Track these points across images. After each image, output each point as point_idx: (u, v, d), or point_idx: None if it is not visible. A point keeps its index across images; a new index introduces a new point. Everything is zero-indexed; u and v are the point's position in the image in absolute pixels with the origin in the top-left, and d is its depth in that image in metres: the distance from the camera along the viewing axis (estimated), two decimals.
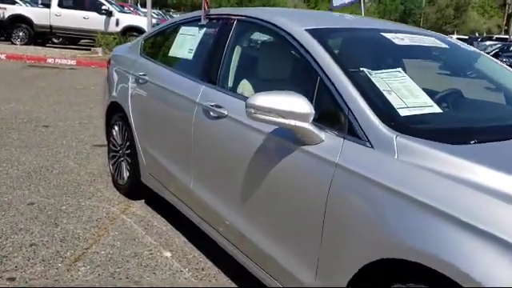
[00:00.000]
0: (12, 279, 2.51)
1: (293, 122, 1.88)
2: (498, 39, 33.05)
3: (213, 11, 3.09)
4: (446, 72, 2.74)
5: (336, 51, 2.14)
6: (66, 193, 3.71)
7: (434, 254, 1.41)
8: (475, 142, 1.71)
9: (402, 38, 2.43)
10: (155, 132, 3.22)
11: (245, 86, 2.68)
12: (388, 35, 2.41)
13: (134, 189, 3.65)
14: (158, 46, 3.65)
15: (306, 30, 2.27)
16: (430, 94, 2.10)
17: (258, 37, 2.94)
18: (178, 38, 3.24)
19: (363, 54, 2.35)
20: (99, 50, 14.08)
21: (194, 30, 3.13)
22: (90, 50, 14.90)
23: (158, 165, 3.21)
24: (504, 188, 1.42)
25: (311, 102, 1.90)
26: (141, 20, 15.81)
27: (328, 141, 1.89)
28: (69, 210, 3.41)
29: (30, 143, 4.92)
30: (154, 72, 3.31)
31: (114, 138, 3.85)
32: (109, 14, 15.68)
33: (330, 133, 1.92)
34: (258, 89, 2.60)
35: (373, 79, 2.01)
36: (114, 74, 3.92)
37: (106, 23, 15.60)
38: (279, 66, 2.55)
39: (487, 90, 2.69)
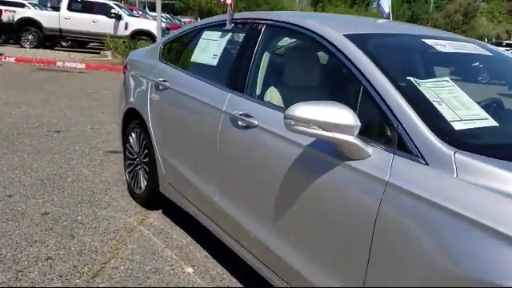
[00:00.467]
0: None
1: (337, 135, 1.73)
2: (507, 45, 32.79)
3: (238, 15, 2.96)
4: (494, 81, 2.59)
5: (379, 58, 1.98)
6: (81, 202, 3.58)
7: None
8: None
9: (444, 44, 2.28)
10: (176, 141, 3.08)
11: (273, 94, 2.54)
12: (430, 41, 2.27)
13: (152, 199, 3.52)
14: (178, 51, 3.52)
15: (345, 35, 2.13)
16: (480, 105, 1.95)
17: (289, 42, 2.79)
18: (201, 43, 3.11)
19: (407, 61, 2.21)
20: (108, 53, 14.01)
21: (217, 34, 2.99)
22: (98, 53, 14.85)
23: (178, 175, 3.07)
24: None
25: None
26: (150, 24, 15.77)
27: (375, 156, 1.74)
28: (84, 220, 3.28)
29: (42, 149, 4.80)
30: (176, 78, 3.18)
31: (130, 146, 3.72)
32: (118, 17, 15.65)
33: (377, 147, 1.77)
34: (289, 97, 2.46)
35: (421, 89, 1.87)
36: (131, 79, 3.80)
37: (115, 27, 15.56)
38: (313, 73, 2.42)
39: None
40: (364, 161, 1.75)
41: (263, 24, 2.61)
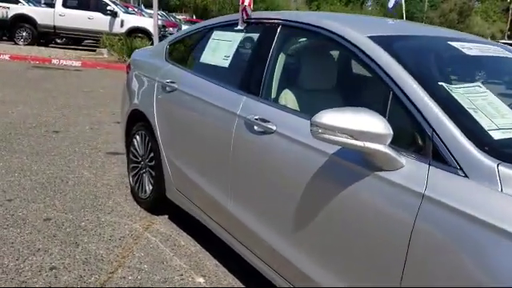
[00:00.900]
0: None
1: (368, 144, 1.63)
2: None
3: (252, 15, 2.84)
4: None
5: (407, 62, 1.88)
6: (84, 207, 3.46)
7: None
8: None
9: (471, 47, 2.18)
10: (185, 144, 2.97)
11: (288, 96, 2.44)
12: (455, 44, 2.17)
13: (158, 203, 3.41)
14: (186, 51, 3.40)
15: (370, 36, 2.03)
16: None
17: (307, 43, 2.68)
18: (211, 44, 2.99)
19: (436, 65, 2.10)
20: (104, 51, 13.83)
21: (229, 35, 2.88)
22: (94, 50, 14.67)
23: (187, 180, 2.95)
24: None
25: None
26: (146, 21, 15.59)
27: (409, 166, 1.64)
28: (88, 226, 3.16)
29: (41, 150, 4.66)
30: (184, 79, 3.06)
31: (134, 148, 3.60)
32: (114, 14, 15.43)
33: (409, 157, 1.67)
34: (307, 101, 2.36)
35: (454, 95, 1.77)
36: (136, 79, 3.67)
37: (111, 24, 15.35)
38: (334, 76, 2.31)
39: None
40: (396, 172, 1.65)
41: (279, 24, 2.51)
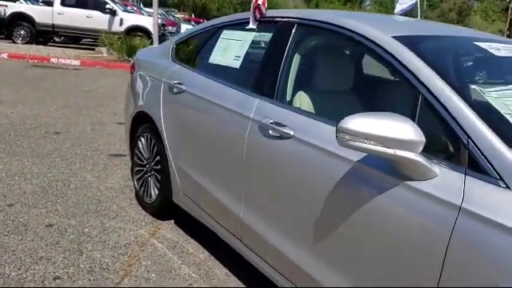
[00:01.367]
0: None
1: (398, 152, 1.52)
2: None
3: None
4: None
5: (436, 63, 1.77)
6: (87, 212, 3.34)
7: None
8: None
9: (498, 48, 2.07)
10: (194, 148, 2.86)
11: (303, 98, 2.33)
12: (483, 45, 2.06)
13: (164, 208, 3.29)
14: (194, 51, 3.28)
15: (394, 37, 1.92)
16: None
17: (325, 43, 2.56)
18: (220, 44, 2.88)
19: (465, 67, 2.00)
20: (103, 50, 13.68)
21: (239, 34, 2.76)
22: (92, 49, 14.52)
23: (195, 186, 2.84)
24: None
25: None
26: (145, 20, 15.42)
27: (443, 176, 1.53)
28: (92, 233, 3.04)
29: (41, 152, 4.54)
30: (192, 81, 2.94)
31: (139, 151, 3.48)
32: (112, 13, 15.27)
33: (442, 166, 1.56)
34: (325, 104, 2.25)
35: (488, 99, 1.66)
36: (140, 80, 3.56)
37: (110, 23, 15.18)
38: (354, 78, 2.19)
39: None
40: (429, 181, 1.54)
41: (294, 23, 2.39)
